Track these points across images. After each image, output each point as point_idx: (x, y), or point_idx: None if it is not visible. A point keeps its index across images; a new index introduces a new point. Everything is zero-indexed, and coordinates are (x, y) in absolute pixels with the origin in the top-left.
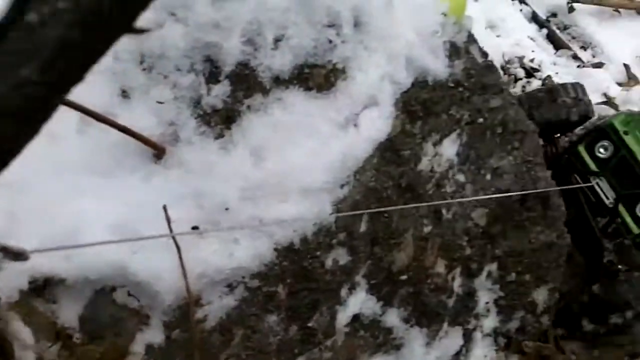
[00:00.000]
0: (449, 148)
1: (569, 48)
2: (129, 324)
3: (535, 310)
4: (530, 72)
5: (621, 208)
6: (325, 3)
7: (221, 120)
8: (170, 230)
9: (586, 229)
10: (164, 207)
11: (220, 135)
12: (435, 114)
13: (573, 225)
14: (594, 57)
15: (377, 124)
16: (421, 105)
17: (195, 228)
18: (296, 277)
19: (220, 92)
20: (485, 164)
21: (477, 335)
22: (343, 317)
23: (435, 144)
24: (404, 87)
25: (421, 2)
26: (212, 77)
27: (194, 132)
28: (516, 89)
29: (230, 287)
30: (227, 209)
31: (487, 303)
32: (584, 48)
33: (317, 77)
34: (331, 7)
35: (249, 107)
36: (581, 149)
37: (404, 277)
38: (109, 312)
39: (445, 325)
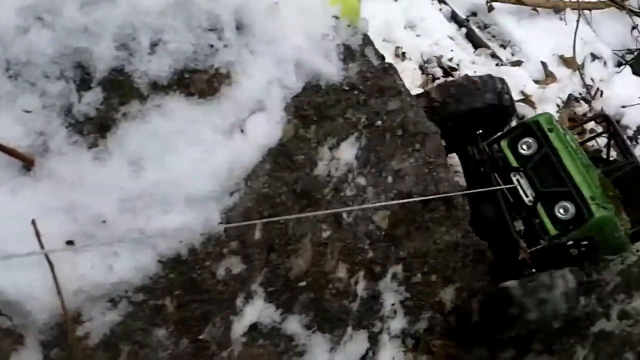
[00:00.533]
0: (347, 152)
1: (488, 47)
2: (3, 344)
3: (443, 310)
4: (449, 71)
5: (540, 208)
6: (204, 6)
7: (95, 129)
8: (41, 246)
9: (503, 228)
10: (33, 222)
11: (94, 145)
12: (330, 118)
13: (492, 224)
14: (512, 55)
15: (266, 129)
16: (315, 109)
17: (70, 242)
18: (185, 288)
19: (92, 99)
20: (387, 167)
21: (384, 337)
22: (239, 327)
23: (331, 148)
24: (295, 91)
25: (310, 5)
26: (84, 84)
27: (65, 142)
28: None
29: (113, 302)
30: (104, 221)
31: (393, 305)
32: (503, 46)
33: (198, 82)
34: (211, 10)
35: (124, 114)
36: (504, 144)
37: (302, 283)
38: None
39: (349, 329)
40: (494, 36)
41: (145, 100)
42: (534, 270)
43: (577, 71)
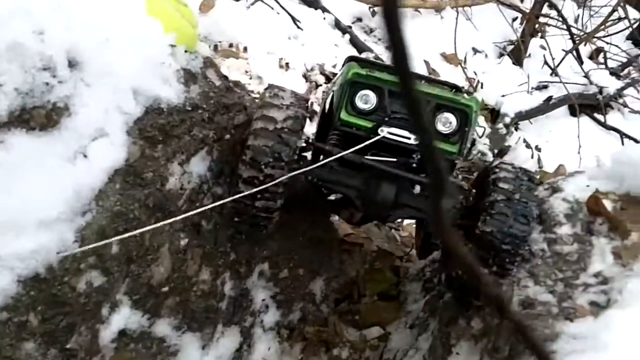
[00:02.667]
0: (199, 165)
1: (371, 50)
2: None
3: (315, 300)
4: (330, 78)
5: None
6: (36, 49)
7: None
8: None
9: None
10: None
11: None
12: (176, 137)
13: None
14: None
15: (110, 152)
16: (159, 130)
17: None
18: (47, 303)
19: None
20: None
21: (258, 331)
22: (107, 334)
23: (181, 164)
24: (136, 115)
25: (145, 36)
26: None
27: None
28: (317, 95)
29: None
30: None
31: (263, 300)
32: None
33: (37, 117)
34: (43, 51)
35: None
36: (344, 115)
37: (165, 288)
38: None
39: (219, 327)
40: (379, 39)
41: None
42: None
43: (460, 66)
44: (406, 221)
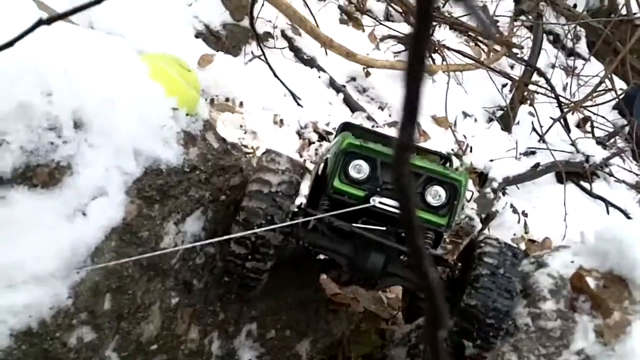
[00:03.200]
0: (194, 225)
1: (364, 110)
2: None
3: None
4: (324, 136)
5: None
6: (43, 109)
7: None
8: None
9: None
10: None
11: None
12: (174, 197)
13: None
14: (390, 116)
15: (108, 211)
16: (157, 190)
17: None
18: (37, 358)
19: None
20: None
21: None
22: None
23: (177, 223)
24: (135, 176)
25: (148, 98)
26: None
27: None
28: (310, 152)
29: None
30: None
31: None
32: (381, 108)
33: (41, 175)
34: (50, 112)
35: None
36: (337, 183)
37: (154, 346)
38: None
39: None
40: (372, 99)
41: None
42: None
43: (450, 129)
44: None
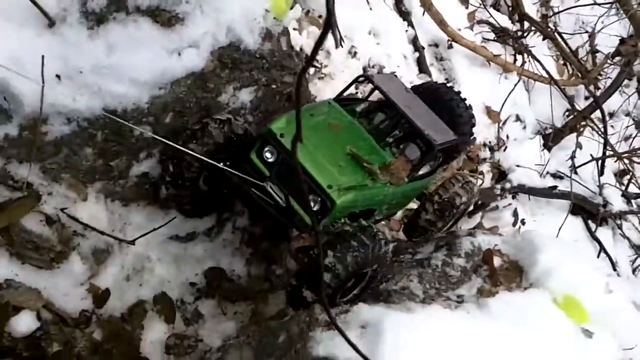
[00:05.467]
0: (246, 95)
1: (430, 75)
2: (0, 117)
3: None
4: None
5: (295, 205)
6: None
7: (95, 19)
8: (42, 72)
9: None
10: (42, 57)
11: (91, 29)
12: (240, 70)
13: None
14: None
15: (195, 60)
16: (231, 60)
17: (57, 76)
18: (114, 133)
19: (101, 3)
20: (270, 116)
21: None
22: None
23: (235, 89)
24: (222, 44)
25: None
26: None
27: (76, 20)
28: (366, 89)
29: (68, 121)
30: (81, 72)
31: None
32: (447, 80)
33: (164, 16)
34: None
35: (114, 18)
36: (253, 156)
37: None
38: None
39: None
40: (444, 69)
41: (129, 14)
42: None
43: (497, 125)
44: None
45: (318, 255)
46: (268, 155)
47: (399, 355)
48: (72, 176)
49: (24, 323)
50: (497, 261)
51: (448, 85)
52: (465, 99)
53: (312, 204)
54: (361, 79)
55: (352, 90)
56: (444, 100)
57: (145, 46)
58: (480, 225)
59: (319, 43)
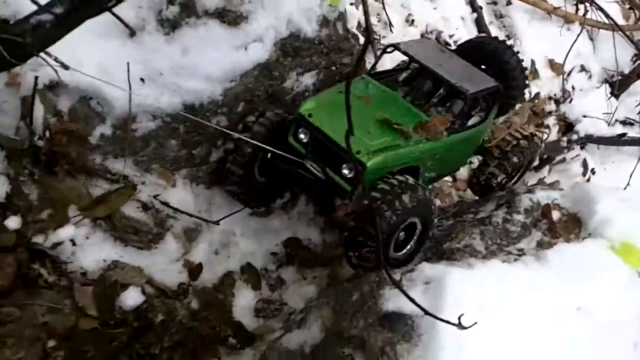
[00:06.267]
0: (308, 79)
1: (489, 34)
2: (95, 119)
3: None
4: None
5: (333, 175)
6: None
7: (170, 26)
8: (128, 77)
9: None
10: (127, 64)
11: (167, 34)
12: (301, 56)
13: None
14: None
15: (260, 53)
16: (292, 49)
17: (142, 80)
18: (189, 124)
19: (173, 10)
20: None
21: None
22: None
23: (298, 74)
24: (283, 35)
25: None
26: (170, 1)
27: (154, 28)
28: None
29: (154, 117)
30: (161, 74)
31: None
32: (508, 37)
33: (230, 16)
34: None
35: (187, 22)
36: (290, 139)
37: None
38: (85, 110)
39: None
40: (504, 26)
41: (199, 18)
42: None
43: (562, 77)
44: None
45: (363, 214)
46: (302, 136)
47: (460, 307)
48: (160, 166)
49: (131, 298)
50: (555, 215)
51: (493, 37)
52: (511, 46)
53: (347, 172)
54: (389, 49)
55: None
56: (488, 52)
57: (216, 45)
58: (541, 182)
59: (361, 57)
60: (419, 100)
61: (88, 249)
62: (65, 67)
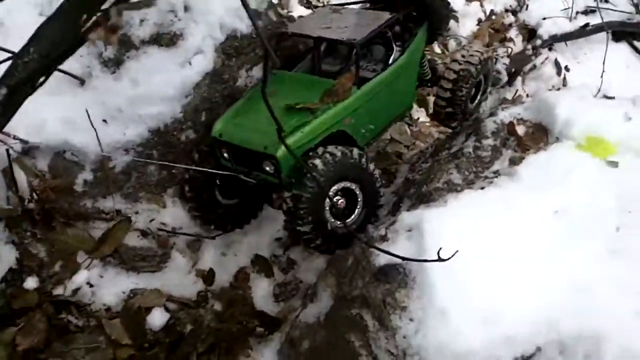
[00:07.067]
0: (258, 71)
1: None
2: (74, 169)
3: None
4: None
5: (261, 175)
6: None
7: (114, 64)
8: (90, 122)
9: None
10: (86, 110)
11: (114, 72)
12: (244, 54)
13: None
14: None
15: (204, 63)
16: (234, 49)
17: (104, 121)
18: (163, 145)
19: (111, 50)
20: None
21: None
22: None
23: (247, 70)
24: (220, 40)
25: None
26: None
27: (100, 71)
28: None
29: (126, 150)
30: (121, 110)
31: None
32: None
33: (165, 39)
34: (170, 0)
35: (128, 57)
36: (222, 161)
37: None
38: (62, 163)
39: None
40: None
41: (138, 49)
42: None
43: None
44: (422, 119)
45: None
46: (225, 155)
47: (440, 243)
48: (147, 192)
49: (157, 318)
50: (521, 129)
51: None
52: None
53: (268, 168)
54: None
55: None
56: None
57: (161, 68)
58: (503, 101)
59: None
60: (332, 68)
61: (104, 286)
62: (25, 142)
